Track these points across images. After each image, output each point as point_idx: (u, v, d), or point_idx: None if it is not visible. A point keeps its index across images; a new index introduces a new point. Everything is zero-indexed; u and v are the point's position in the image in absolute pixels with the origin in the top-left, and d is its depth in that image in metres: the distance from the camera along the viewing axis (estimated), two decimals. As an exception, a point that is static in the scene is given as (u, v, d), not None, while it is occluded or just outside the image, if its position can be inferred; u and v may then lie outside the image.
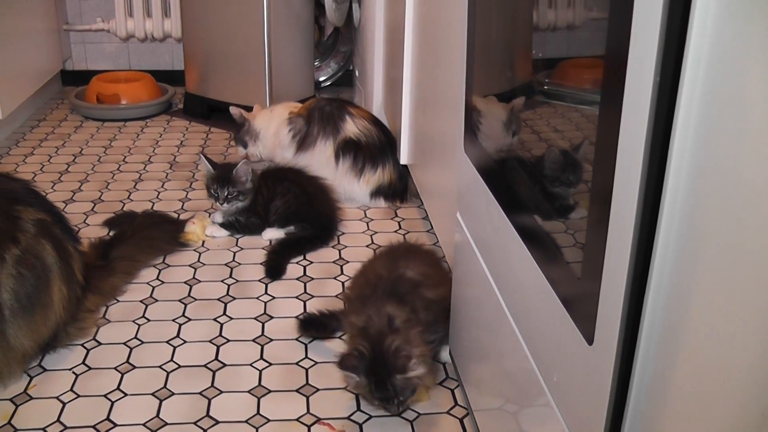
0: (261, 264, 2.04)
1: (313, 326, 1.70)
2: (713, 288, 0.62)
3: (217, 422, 1.45)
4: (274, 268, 2.00)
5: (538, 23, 1.06)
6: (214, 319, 1.79)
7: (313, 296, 1.89)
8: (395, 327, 1.43)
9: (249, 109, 2.71)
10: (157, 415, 1.47)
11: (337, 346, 1.68)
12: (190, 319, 1.79)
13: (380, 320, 1.44)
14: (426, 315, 1.51)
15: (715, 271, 0.62)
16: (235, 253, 2.11)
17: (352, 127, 2.41)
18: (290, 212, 2.17)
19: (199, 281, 1.96)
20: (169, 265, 2.03)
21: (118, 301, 1.86)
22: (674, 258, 0.66)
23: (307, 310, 1.82)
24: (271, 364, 1.62)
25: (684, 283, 0.65)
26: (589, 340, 0.81)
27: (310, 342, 1.70)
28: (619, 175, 0.71)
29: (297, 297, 1.89)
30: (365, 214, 2.37)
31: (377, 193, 2.41)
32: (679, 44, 0.62)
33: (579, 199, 0.90)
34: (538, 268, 0.98)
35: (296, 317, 1.78)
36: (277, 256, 2.06)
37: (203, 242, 2.16)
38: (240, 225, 2.20)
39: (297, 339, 1.70)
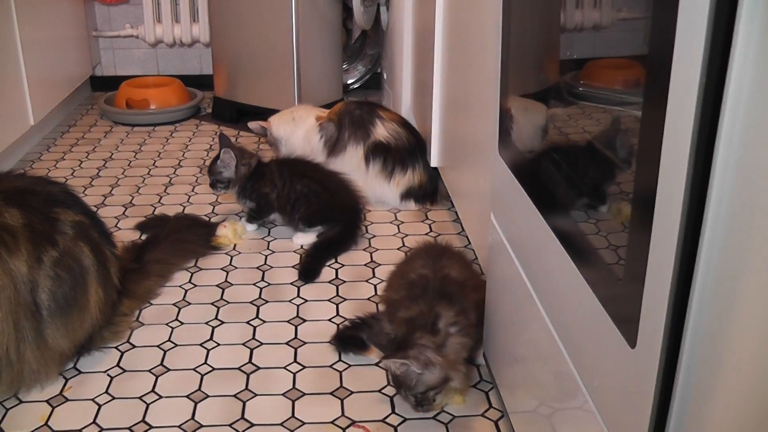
0: (293, 267, 2.04)
1: (350, 343, 1.68)
2: (760, 290, 0.61)
3: (252, 425, 1.46)
4: (309, 270, 2.01)
5: (566, 24, 1.06)
6: (247, 322, 1.79)
7: (345, 299, 1.89)
8: (437, 328, 1.43)
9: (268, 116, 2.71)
10: (192, 417, 1.47)
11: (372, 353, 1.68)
12: (223, 322, 1.80)
13: (429, 318, 1.44)
14: (475, 315, 1.51)
15: (761, 274, 0.61)
16: (266, 256, 2.12)
17: (382, 131, 2.41)
18: (313, 212, 2.17)
19: (232, 284, 1.97)
20: (201, 269, 2.04)
21: (152, 304, 1.87)
22: (719, 260, 0.65)
23: (340, 313, 1.82)
24: (304, 367, 1.63)
25: (729, 285, 0.64)
26: (632, 344, 0.80)
27: (343, 346, 1.70)
28: (664, 175, 0.70)
29: (329, 300, 1.89)
30: (396, 216, 2.37)
31: (407, 195, 2.41)
32: (725, 43, 0.61)
33: (614, 200, 0.90)
34: (576, 270, 0.97)
35: (331, 325, 1.78)
36: (313, 258, 2.06)
37: (234, 246, 2.17)
38: (253, 212, 2.23)
39: (330, 342, 1.70)
